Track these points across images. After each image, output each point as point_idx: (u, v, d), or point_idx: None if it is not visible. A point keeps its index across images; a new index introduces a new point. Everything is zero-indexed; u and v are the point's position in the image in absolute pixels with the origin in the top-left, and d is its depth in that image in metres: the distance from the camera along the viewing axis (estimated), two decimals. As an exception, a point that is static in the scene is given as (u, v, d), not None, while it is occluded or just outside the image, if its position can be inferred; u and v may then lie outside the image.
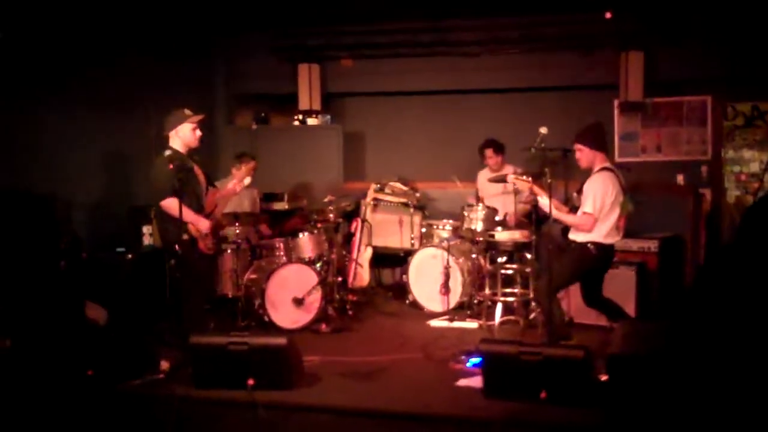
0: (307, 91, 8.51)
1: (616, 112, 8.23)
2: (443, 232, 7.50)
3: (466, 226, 6.88)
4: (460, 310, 6.95)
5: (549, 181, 5.30)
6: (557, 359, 4.36)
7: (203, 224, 5.35)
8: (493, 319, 6.52)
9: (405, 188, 8.12)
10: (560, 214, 5.43)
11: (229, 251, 6.73)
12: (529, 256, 6.59)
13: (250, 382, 4.52)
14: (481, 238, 6.85)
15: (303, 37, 8.53)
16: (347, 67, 8.71)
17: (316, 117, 9.08)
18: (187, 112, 5.43)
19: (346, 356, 5.55)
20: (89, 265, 6.06)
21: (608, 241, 5.34)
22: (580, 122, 5.78)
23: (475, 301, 6.99)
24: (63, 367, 4.70)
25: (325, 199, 7.24)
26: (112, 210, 6.90)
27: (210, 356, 4.71)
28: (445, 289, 6.95)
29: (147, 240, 6.76)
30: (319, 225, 7.08)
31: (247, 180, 5.93)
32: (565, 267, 5.39)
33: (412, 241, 7.94)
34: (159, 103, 6.63)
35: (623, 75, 7.74)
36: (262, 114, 9.34)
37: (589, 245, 5.31)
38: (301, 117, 9.17)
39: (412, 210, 8.02)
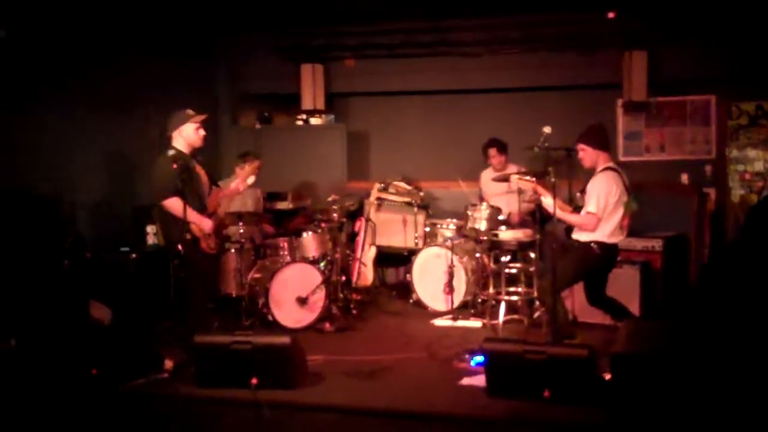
0: (311, 90, 8.51)
1: (619, 111, 8.22)
2: (447, 231, 7.50)
3: (469, 225, 6.88)
4: (464, 309, 6.95)
5: (553, 180, 5.29)
6: (561, 358, 4.35)
7: (206, 224, 5.35)
8: (496, 318, 6.51)
9: (409, 187, 8.12)
10: (564, 213, 5.44)
11: (232, 250, 6.73)
12: (532, 255, 6.58)
13: (254, 381, 4.53)
14: (484, 238, 6.85)
15: (305, 37, 8.54)
16: (350, 66, 8.71)
17: (320, 117, 9.08)
18: (190, 112, 5.43)
19: (349, 355, 5.55)
20: (93, 265, 6.07)
21: (612, 240, 5.33)
22: (583, 122, 5.77)
23: (479, 300, 6.99)
24: (67, 367, 4.70)
25: (329, 199, 7.25)
26: (115, 210, 6.91)
27: (213, 355, 4.72)
28: (449, 288, 6.95)
29: (151, 240, 6.76)
30: (322, 224, 7.09)
31: (251, 179, 5.94)
32: (569, 266, 5.39)
33: (416, 241, 7.93)
34: (161, 103, 6.65)
35: (627, 74, 7.73)
36: (266, 114, 9.35)
37: (592, 245, 5.32)
38: (304, 116, 9.18)
39: (415, 209, 8.01)
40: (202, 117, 5.46)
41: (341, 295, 7.00)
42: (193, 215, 5.23)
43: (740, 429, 3.69)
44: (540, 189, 5.48)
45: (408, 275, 7.45)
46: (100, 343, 4.98)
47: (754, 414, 3.66)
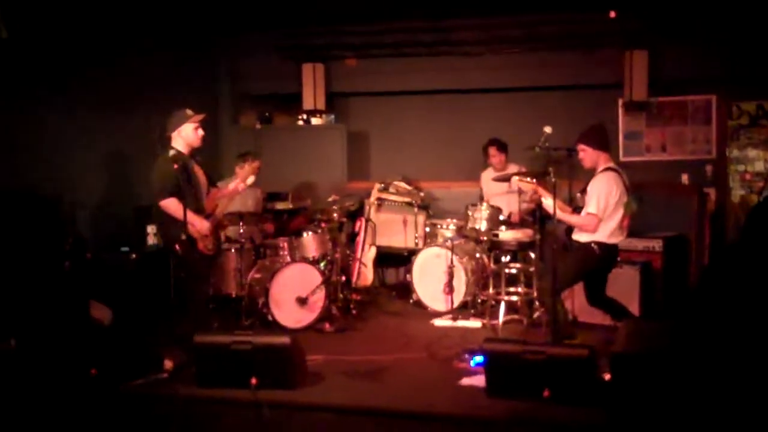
0: (312, 90, 8.52)
1: (620, 111, 8.22)
2: (447, 231, 7.49)
3: (470, 225, 6.87)
4: (464, 309, 6.95)
5: (553, 180, 5.29)
6: (561, 358, 4.35)
7: (203, 225, 5.35)
8: (496, 318, 6.51)
9: (409, 188, 8.12)
10: (564, 214, 5.43)
11: (232, 250, 6.73)
12: (533, 255, 6.58)
13: (254, 381, 4.52)
14: (485, 238, 6.85)
15: (306, 36, 8.54)
16: (351, 66, 8.71)
17: (320, 116, 9.09)
18: (189, 112, 5.44)
19: (349, 355, 5.55)
20: (94, 265, 6.07)
21: (612, 240, 5.33)
22: (584, 122, 5.76)
23: (479, 301, 6.99)
24: (67, 367, 4.70)
25: (329, 199, 7.25)
26: (116, 210, 6.91)
27: (213, 355, 4.72)
28: (449, 288, 6.94)
29: (151, 240, 6.76)
30: (323, 224, 7.09)
31: (251, 179, 5.93)
32: (569, 267, 5.38)
33: (416, 241, 7.93)
34: (161, 103, 6.63)
35: (627, 74, 7.73)
36: (266, 114, 9.36)
37: (592, 245, 5.31)
38: (305, 116, 9.18)
39: (416, 209, 8.01)
40: (200, 117, 5.46)
41: (341, 296, 7.00)
42: (190, 216, 5.23)
43: (740, 429, 3.68)
44: (541, 190, 5.48)
45: (408, 275, 7.45)
46: (100, 343, 4.98)
47: (754, 414, 3.65)
